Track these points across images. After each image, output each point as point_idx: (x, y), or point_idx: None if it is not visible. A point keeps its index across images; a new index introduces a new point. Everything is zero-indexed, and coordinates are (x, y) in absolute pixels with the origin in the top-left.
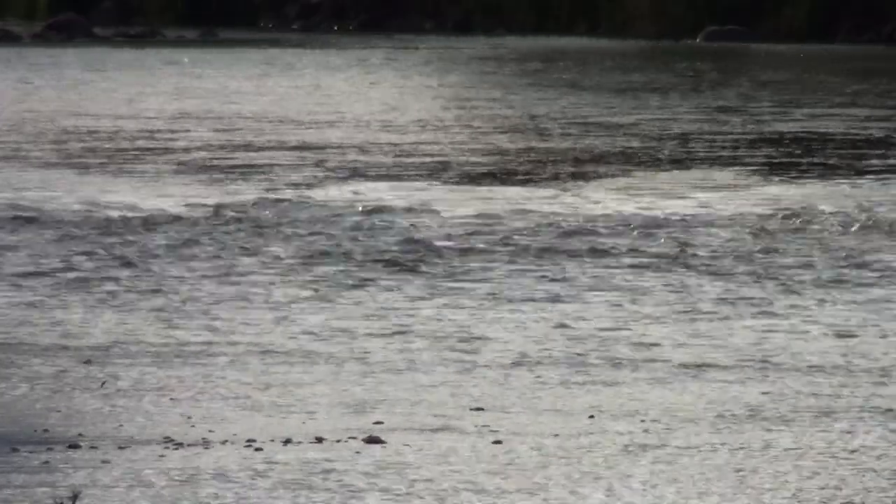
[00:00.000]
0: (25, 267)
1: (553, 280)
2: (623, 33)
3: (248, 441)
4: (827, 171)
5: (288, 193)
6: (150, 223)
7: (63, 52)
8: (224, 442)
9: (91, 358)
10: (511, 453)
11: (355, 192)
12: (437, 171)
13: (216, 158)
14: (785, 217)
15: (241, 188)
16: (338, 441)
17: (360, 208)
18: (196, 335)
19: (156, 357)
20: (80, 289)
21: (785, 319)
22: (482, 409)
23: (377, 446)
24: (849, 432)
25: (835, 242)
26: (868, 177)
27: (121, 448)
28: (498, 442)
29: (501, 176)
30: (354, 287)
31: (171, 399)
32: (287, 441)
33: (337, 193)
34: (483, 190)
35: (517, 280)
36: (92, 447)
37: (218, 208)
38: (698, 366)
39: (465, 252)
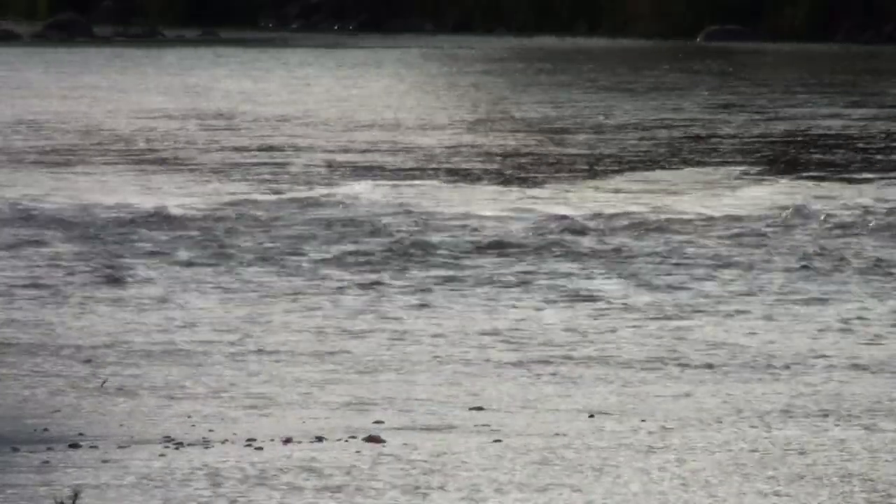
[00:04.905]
0: (26, 266)
1: (554, 280)
2: (623, 33)
3: (249, 440)
4: (830, 171)
5: (289, 193)
6: (153, 223)
7: (63, 51)
8: (224, 441)
9: (91, 358)
10: (511, 453)
11: (359, 192)
12: (444, 171)
13: (225, 159)
14: (782, 217)
15: (244, 188)
16: (338, 440)
17: (365, 209)
18: (196, 335)
19: (156, 357)
20: (80, 289)
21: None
22: (482, 409)
23: (377, 445)
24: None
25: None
26: (872, 177)
27: (121, 448)
28: (498, 441)
29: (506, 177)
30: (354, 286)
31: (171, 399)
32: (287, 440)
33: (343, 193)
34: (488, 190)
35: (518, 280)
36: (92, 447)
37: (221, 208)
38: (700, 366)
39: (467, 252)
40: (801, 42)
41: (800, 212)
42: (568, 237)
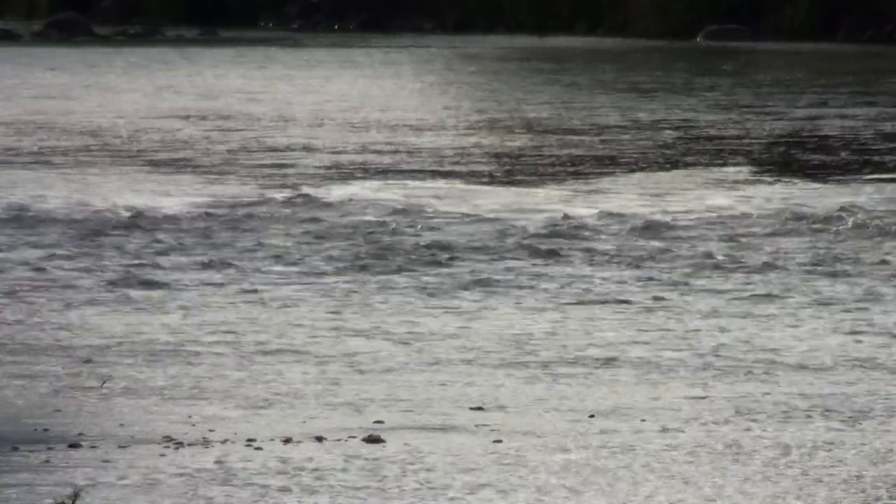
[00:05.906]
0: (26, 267)
1: (555, 281)
2: (623, 33)
3: (249, 440)
4: (832, 172)
5: (293, 193)
6: (154, 223)
7: (63, 51)
8: (224, 441)
9: (91, 358)
10: (511, 452)
11: (362, 193)
12: (449, 172)
13: (229, 159)
14: (784, 217)
15: (248, 188)
16: (338, 440)
17: (368, 209)
18: (197, 335)
19: (156, 357)
20: (81, 289)
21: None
22: (482, 409)
23: (377, 445)
24: (838, 430)
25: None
26: (874, 177)
27: (121, 447)
28: (498, 441)
29: (510, 177)
30: (356, 287)
31: (171, 399)
32: (287, 440)
33: (349, 193)
34: (492, 191)
35: (518, 281)
36: (92, 447)
37: (224, 208)
38: (702, 367)
39: (469, 253)
40: (802, 41)
41: (802, 213)
42: (570, 238)
